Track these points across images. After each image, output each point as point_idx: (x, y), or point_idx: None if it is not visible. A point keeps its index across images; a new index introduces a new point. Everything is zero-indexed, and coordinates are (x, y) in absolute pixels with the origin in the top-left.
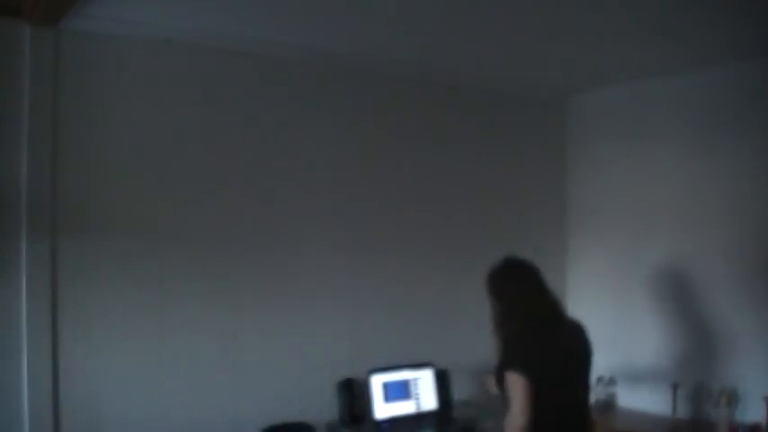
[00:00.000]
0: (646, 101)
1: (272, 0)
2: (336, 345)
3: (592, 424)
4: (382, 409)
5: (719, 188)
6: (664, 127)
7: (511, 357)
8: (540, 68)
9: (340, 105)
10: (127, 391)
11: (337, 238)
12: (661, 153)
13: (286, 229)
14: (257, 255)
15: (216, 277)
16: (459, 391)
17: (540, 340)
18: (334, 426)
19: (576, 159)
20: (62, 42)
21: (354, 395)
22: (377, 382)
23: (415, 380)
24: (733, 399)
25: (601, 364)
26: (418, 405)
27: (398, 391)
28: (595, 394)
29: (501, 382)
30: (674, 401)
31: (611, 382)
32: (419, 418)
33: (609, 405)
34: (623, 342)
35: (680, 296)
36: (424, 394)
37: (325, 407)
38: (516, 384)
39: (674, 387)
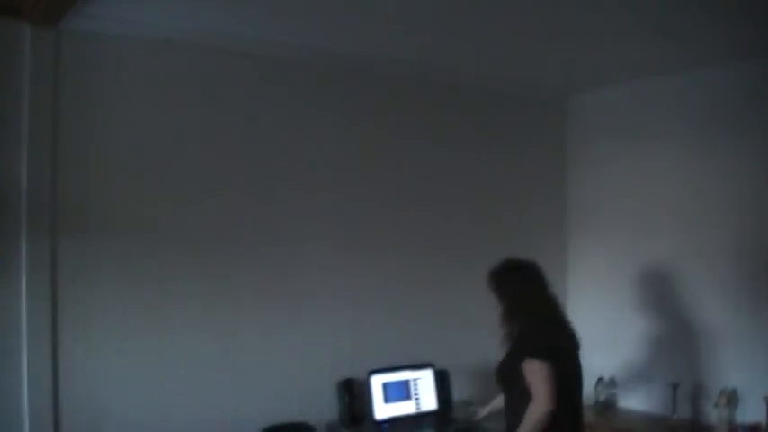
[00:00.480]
0: (646, 101)
1: (272, 0)
2: (336, 345)
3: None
4: (382, 410)
5: (719, 188)
6: (664, 127)
7: (530, 346)
8: (540, 68)
9: (340, 105)
10: (127, 391)
11: (337, 238)
12: (661, 153)
13: (286, 229)
14: (257, 255)
15: (216, 277)
16: (459, 392)
17: (553, 334)
18: (334, 426)
19: (575, 159)
20: (62, 42)
21: (354, 395)
22: (377, 383)
23: (415, 380)
24: (733, 399)
25: (601, 364)
26: (418, 405)
27: (398, 392)
28: (596, 395)
29: (509, 376)
30: (674, 402)
31: (612, 382)
32: (419, 419)
33: (609, 405)
34: (623, 342)
35: (680, 296)
36: (424, 394)
37: (325, 407)
38: (540, 371)
39: (674, 387)
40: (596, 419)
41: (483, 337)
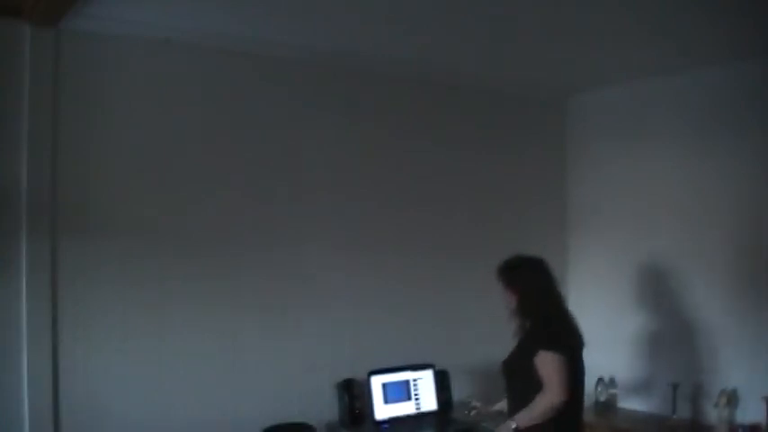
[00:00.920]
0: (646, 101)
1: (272, 0)
2: (336, 345)
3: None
4: (382, 410)
5: (719, 188)
6: (664, 127)
7: (544, 339)
8: (540, 68)
9: (340, 105)
10: (127, 391)
11: (337, 238)
12: (661, 153)
13: (286, 229)
14: (257, 255)
15: (216, 277)
16: (459, 392)
17: (563, 330)
18: (334, 426)
19: (576, 159)
20: (62, 42)
21: (354, 396)
22: (377, 383)
23: (415, 381)
24: (733, 399)
25: (601, 364)
26: (418, 406)
27: (398, 392)
28: (596, 395)
29: (517, 367)
30: (674, 402)
31: (611, 382)
32: (419, 419)
33: (609, 406)
34: (623, 342)
35: (680, 296)
36: (424, 395)
37: (325, 407)
38: (554, 362)
39: (674, 387)
40: (596, 420)
41: (483, 337)
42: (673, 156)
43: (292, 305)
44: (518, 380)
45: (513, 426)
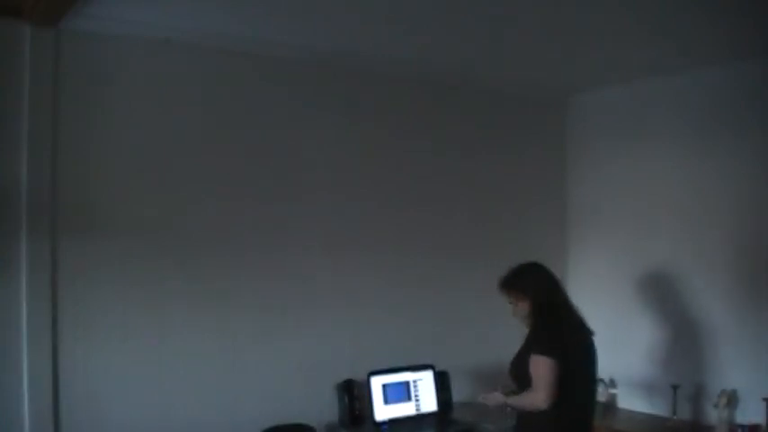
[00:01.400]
0: (646, 101)
1: (272, 0)
2: (336, 345)
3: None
4: (382, 411)
5: (719, 188)
6: (664, 127)
7: (539, 343)
8: (540, 68)
9: (340, 105)
10: (127, 391)
11: (337, 238)
12: (661, 153)
13: (286, 229)
14: (257, 255)
15: (216, 277)
16: (459, 393)
17: (564, 334)
18: (334, 427)
19: (576, 159)
20: (62, 42)
21: (354, 396)
22: (377, 384)
23: (415, 381)
24: (733, 400)
25: (601, 365)
26: (418, 407)
27: (398, 393)
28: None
29: (520, 372)
30: (674, 403)
31: (612, 383)
32: (419, 420)
33: (609, 406)
34: (623, 343)
35: (680, 296)
36: (424, 396)
37: (325, 408)
38: (543, 368)
39: (674, 388)
40: (596, 420)
41: (483, 337)
42: (673, 156)
43: (292, 305)
44: (521, 380)
45: (503, 400)
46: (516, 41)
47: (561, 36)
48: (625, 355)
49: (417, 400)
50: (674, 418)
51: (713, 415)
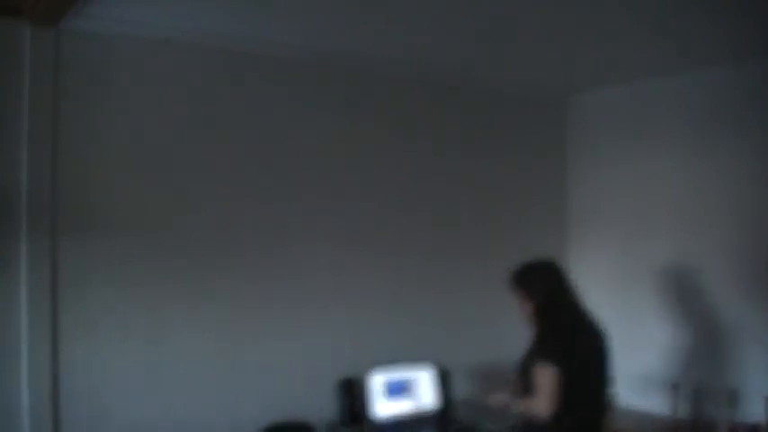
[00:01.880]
0: (646, 101)
1: (272, 0)
2: (336, 345)
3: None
4: (382, 409)
5: (719, 188)
6: (664, 127)
7: (544, 349)
8: (540, 68)
9: (340, 105)
10: (127, 390)
11: (337, 237)
12: (661, 153)
13: (286, 229)
14: (257, 254)
15: (216, 277)
16: (460, 391)
17: (571, 337)
18: (334, 425)
19: (576, 159)
20: (62, 42)
21: (354, 395)
22: (377, 382)
23: (416, 379)
24: (734, 399)
25: None
26: (418, 405)
27: (398, 391)
28: None
29: (526, 373)
30: (675, 402)
31: (612, 382)
32: (419, 418)
33: (609, 406)
34: (623, 342)
35: (680, 296)
36: (425, 394)
37: (325, 407)
38: (547, 377)
39: (675, 387)
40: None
41: (483, 336)
42: (673, 156)
43: (292, 305)
44: (526, 383)
45: (507, 402)
46: (516, 41)
47: (561, 36)
48: (625, 354)
49: (417, 399)
50: (675, 417)
51: (714, 414)
